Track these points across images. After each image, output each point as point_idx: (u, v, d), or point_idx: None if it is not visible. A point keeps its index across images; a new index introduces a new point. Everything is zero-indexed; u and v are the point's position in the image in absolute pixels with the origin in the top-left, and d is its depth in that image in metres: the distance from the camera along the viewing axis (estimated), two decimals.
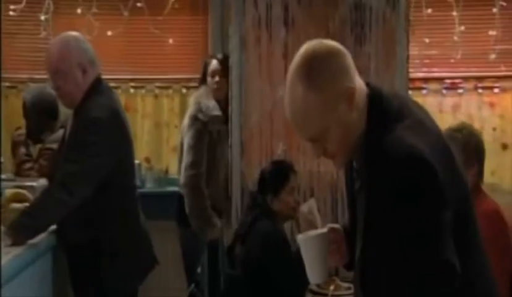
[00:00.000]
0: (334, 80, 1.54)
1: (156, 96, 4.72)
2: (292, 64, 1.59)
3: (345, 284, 3.26)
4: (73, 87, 2.81)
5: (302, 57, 1.58)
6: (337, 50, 1.59)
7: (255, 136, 3.56)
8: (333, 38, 3.51)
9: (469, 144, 3.01)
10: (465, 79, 4.65)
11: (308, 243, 1.71)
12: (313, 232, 1.75)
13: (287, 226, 3.41)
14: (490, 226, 2.96)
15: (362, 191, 1.61)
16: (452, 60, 4.55)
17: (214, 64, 3.77)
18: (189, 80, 4.72)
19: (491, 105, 4.67)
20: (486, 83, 4.66)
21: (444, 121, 4.53)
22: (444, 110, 4.61)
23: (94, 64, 2.87)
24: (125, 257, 2.82)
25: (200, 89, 3.82)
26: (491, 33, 4.55)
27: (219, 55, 3.83)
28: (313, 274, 1.72)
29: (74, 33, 2.94)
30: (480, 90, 4.65)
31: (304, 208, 3.21)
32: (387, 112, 1.57)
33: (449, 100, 4.65)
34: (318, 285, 3.25)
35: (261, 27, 3.51)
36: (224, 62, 3.71)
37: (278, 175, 3.22)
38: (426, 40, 4.47)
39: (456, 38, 4.53)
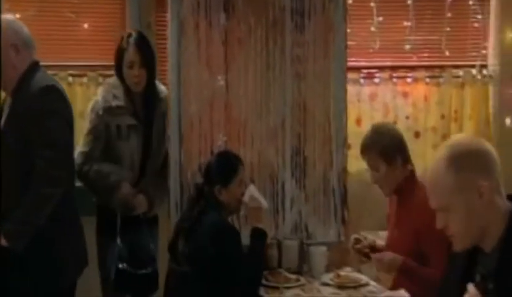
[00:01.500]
0: (473, 172, 1.80)
1: (69, 85, 4.44)
2: (450, 142, 1.90)
3: (293, 276, 3.25)
4: (7, 68, 2.75)
5: (458, 143, 1.87)
6: (485, 151, 1.85)
7: (194, 126, 3.43)
8: (273, 25, 3.51)
9: (386, 143, 3.11)
10: (381, 69, 4.78)
11: None
12: None
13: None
14: (431, 215, 3.06)
15: (483, 286, 1.81)
16: (370, 50, 4.65)
17: (130, 52, 3.40)
18: (106, 67, 4.50)
19: (405, 94, 4.83)
20: (401, 73, 4.81)
21: (362, 110, 4.64)
22: (362, 99, 4.70)
23: (28, 46, 2.85)
24: (66, 247, 2.83)
25: (113, 79, 3.52)
26: (406, 24, 4.70)
27: (134, 39, 3.39)
28: None
29: (8, 15, 2.96)
30: (394, 80, 4.79)
31: (245, 198, 3.16)
32: None
33: (366, 89, 4.75)
34: (266, 278, 3.21)
35: (200, 13, 3.39)
36: (143, 49, 3.39)
37: (227, 166, 3.14)
38: (348, 30, 4.53)
39: (373, 28, 4.64)
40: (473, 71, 4.86)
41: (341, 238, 3.60)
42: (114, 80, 3.48)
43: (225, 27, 3.43)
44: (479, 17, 4.83)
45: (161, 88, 3.55)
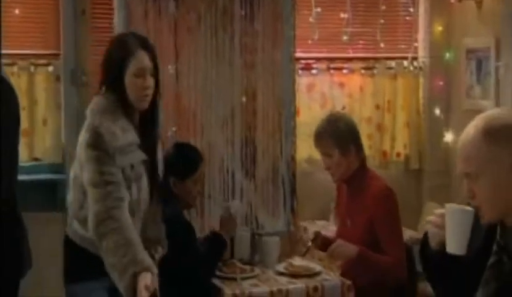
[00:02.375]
0: (508, 146, 1.79)
1: None
2: (487, 114, 1.86)
3: (247, 267, 3.23)
4: None
5: (495, 116, 1.84)
6: None
7: None
8: (222, 14, 3.47)
9: (341, 131, 3.15)
10: (319, 60, 4.82)
11: (467, 216, 1.83)
12: (466, 207, 1.85)
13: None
14: (384, 204, 3.14)
15: (499, 267, 1.84)
16: (309, 42, 4.69)
17: (140, 58, 2.54)
18: (38, 56, 4.32)
19: (341, 85, 4.90)
20: (337, 64, 4.87)
21: (300, 101, 4.68)
22: (300, 90, 4.74)
23: None
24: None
25: (100, 98, 2.59)
26: (343, 15, 4.77)
27: (141, 40, 2.61)
28: (460, 246, 1.85)
29: None
30: (331, 71, 4.86)
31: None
32: None
33: (304, 80, 4.78)
34: (221, 270, 3.18)
35: (149, 1, 3.30)
36: (154, 54, 2.62)
37: (187, 161, 3.08)
38: None
39: (311, 19, 4.67)
40: (405, 63, 4.99)
41: (291, 228, 3.61)
42: (104, 101, 2.55)
43: (174, 16, 3.36)
44: (411, 10, 4.96)
45: None
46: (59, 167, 4.37)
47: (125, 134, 2.49)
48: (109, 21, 3.74)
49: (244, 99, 3.47)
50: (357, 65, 4.91)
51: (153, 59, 2.58)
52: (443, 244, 1.92)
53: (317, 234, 3.25)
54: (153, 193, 2.67)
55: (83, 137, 2.51)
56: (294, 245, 3.57)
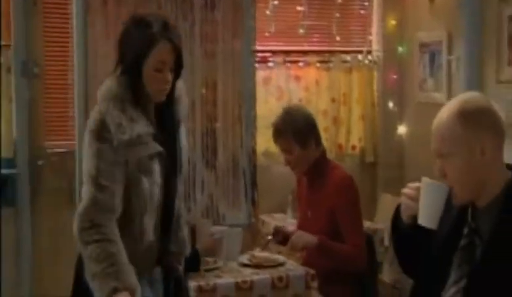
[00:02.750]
0: (481, 129, 1.84)
1: None
2: (462, 97, 1.91)
3: (210, 259, 3.19)
4: None
5: (470, 99, 1.90)
6: (494, 111, 1.88)
7: None
8: (182, 2, 3.41)
9: (300, 127, 3.14)
10: (275, 53, 4.82)
11: (441, 190, 1.87)
12: (441, 183, 1.88)
13: None
14: (346, 193, 3.15)
15: (471, 249, 1.86)
16: (266, 34, 4.67)
17: (164, 49, 2.25)
18: None
19: (297, 78, 4.91)
20: (293, 58, 4.88)
21: (257, 94, 4.65)
22: (257, 83, 4.71)
23: None
24: None
25: (113, 81, 2.30)
26: (299, 8, 4.78)
27: (168, 28, 2.27)
28: (432, 220, 1.88)
29: None
30: (288, 64, 4.86)
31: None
32: None
33: (260, 73, 4.76)
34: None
35: None
36: (179, 46, 2.30)
37: None
38: None
39: (268, 12, 4.66)
40: (360, 57, 5.03)
41: (252, 220, 3.59)
42: (116, 87, 2.28)
43: (134, 3, 3.30)
44: (365, 4, 5.01)
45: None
46: (10, 162, 4.24)
47: (133, 125, 2.23)
48: (63, 10, 3.65)
49: (204, 89, 3.44)
50: (313, 58, 4.92)
51: (176, 49, 2.28)
52: (414, 218, 1.94)
53: (278, 229, 3.23)
54: (171, 190, 2.37)
55: (89, 120, 2.32)
56: (255, 237, 3.55)
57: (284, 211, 4.64)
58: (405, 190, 1.96)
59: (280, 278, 3.01)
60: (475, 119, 1.85)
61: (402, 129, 5.08)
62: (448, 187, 1.87)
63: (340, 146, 5.02)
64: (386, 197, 4.85)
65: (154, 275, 2.42)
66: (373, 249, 3.27)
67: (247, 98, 3.52)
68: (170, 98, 2.34)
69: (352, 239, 3.08)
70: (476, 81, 4.36)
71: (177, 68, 2.31)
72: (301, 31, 4.79)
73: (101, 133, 2.22)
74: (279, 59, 4.83)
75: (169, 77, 2.29)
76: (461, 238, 1.91)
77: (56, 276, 3.57)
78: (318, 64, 4.93)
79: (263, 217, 4.35)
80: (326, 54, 4.96)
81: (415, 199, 1.92)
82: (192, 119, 3.42)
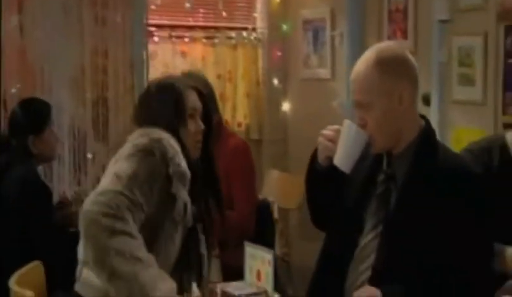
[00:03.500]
0: (398, 77, 1.89)
1: None
2: (379, 46, 1.96)
3: None
4: None
5: (387, 48, 1.95)
6: (411, 60, 1.94)
7: None
8: None
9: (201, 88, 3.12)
10: (160, 27, 4.72)
11: (361, 135, 1.90)
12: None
13: None
14: (241, 158, 3.15)
15: (386, 195, 1.91)
16: (153, 7, 4.56)
17: (194, 98, 2.26)
18: None
19: (183, 54, 4.84)
20: (179, 33, 4.80)
21: None
22: None
23: None
24: None
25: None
26: None
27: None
28: (347, 162, 1.91)
29: None
30: (174, 39, 4.77)
31: None
32: (438, 142, 1.96)
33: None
34: None
35: None
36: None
37: (37, 114, 2.87)
38: None
39: None
40: (245, 33, 5.04)
41: None
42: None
43: None
44: None
45: None
46: None
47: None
48: None
49: (94, 57, 3.30)
50: (199, 34, 4.87)
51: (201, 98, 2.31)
52: (330, 160, 1.96)
53: None
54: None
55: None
56: None
57: None
58: (325, 132, 1.98)
59: None
60: (393, 67, 1.89)
61: (286, 106, 5.15)
62: (367, 134, 1.91)
63: (226, 123, 5.01)
64: (272, 172, 4.91)
65: None
66: (271, 215, 3.29)
67: (139, 67, 3.41)
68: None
69: (239, 207, 3.08)
70: (358, 58, 4.50)
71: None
72: (187, 5, 4.72)
73: (156, 151, 2.03)
74: (165, 33, 4.73)
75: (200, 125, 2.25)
76: (376, 186, 1.96)
77: None
78: (204, 40, 4.89)
79: None
80: (212, 30, 4.92)
81: (333, 141, 1.94)
82: (82, 87, 3.26)
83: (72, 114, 3.30)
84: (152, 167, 1.97)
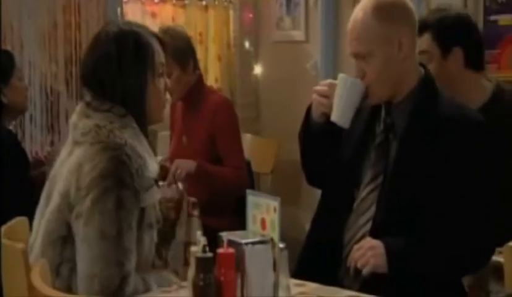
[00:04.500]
0: (396, 24, 1.84)
1: None
2: None
3: None
4: None
5: None
6: (410, 7, 1.88)
7: None
8: None
9: (180, 46, 3.04)
10: None
11: (358, 87, 1.85)
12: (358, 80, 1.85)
13: None
14: (225, 115, 3.09)
15: (386, 146, 1.87)
16: None
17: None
18: None
19: (153, 15, 4.72)
20: None
21: None
22: None
23: None
24: None
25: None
26: None
27: None
28: (345, 117, 1.85)
29: None
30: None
31: None
32: (439, 89, 1.90)
33: None
34: None
35: None
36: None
37: (2, 59, 2.74)
38: None
39: None
40: None
41: None
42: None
43: None
44: None
45: None
46: None
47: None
48: None
49: (67, 12, 3.17)
50: None
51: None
52: (324, 115, 1.91)
53: (162, 168, 3.10)
54: None
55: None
56: None
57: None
58: (317, 87, 1.92)
59: None
60: (391, 13, 1.84)
61: (258, 69, 5.08)
62: (364, 85, 1.86)
63: None
64: (245, 136, 4.84)
65: None
66: (252, 173, 3.25)
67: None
68: None
69: (232, 161, 3.03)
70: (333, 18, 4.46)
71: None
72: None
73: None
74: None
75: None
76: (375, 138, 1.91)
77: None
78: (174, 1, 4.77)
79: None
80: None
81: (328, 96, 1.89)
82: (54, 44, 3.14)
83: (44, 72, 3.17)
84: (127, 201, 1.65)
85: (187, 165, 2.97)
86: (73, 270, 1.67)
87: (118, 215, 1.63)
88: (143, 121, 1.79)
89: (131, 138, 1.70)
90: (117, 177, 1.63)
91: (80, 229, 1.64)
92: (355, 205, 1.89)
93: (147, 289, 1.70)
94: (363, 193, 1.89)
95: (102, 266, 1.61)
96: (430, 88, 1.90)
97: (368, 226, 1.85)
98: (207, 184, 3.00)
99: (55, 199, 1.71)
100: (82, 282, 1.63)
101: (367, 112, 1.94)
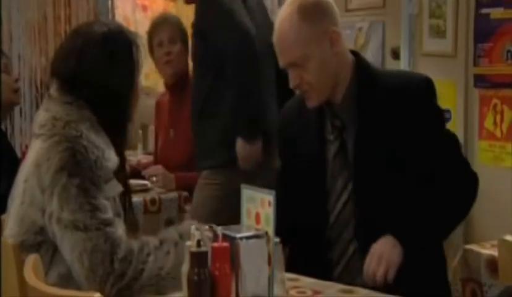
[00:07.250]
0: (324, 20, 1.83)
1: None
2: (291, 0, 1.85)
3: None
4: None
5: None
6: (329, 1, 1.88)
7: None
8: None
9: (181, 24, 3.19)
10: None
11: None
12: None
13: None
14: None
15: (344, 149, 1.85)
16: None
17: None
18: None
19: (144, 8, 4.70)
20: None
21: None
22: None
23: None
24: None
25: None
26: None
27: None
28: None
29: None
30: None
31: None
32: (374, 70, 1.92)
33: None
34: None
35: None
36: None
37: None
38: None
39: None
40: None
41: None
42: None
43: None
44: None
45: None
46: None
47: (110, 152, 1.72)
48: None
49: (58, 4, 3.15)
50: None
51: None
52: None
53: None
54: None
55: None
56: None
57: (134, 147, 4.45)
58: None
59: (153, 201, 2.87)
60: (316, 11, 1.83)
61: None
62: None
63: None
64: None
65: None
66: None
67: (104, 17, 3.28)
68: None
69: None
70: None
71: None
72: None
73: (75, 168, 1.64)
74: None
75: None
76: (330, 146, 1.89)
77: None
78: None
79: None
80: None
81: None
82: (44, 37, 3.11)
83: (34, 65, 3.14)
84: (89, 185, 1.63)
85: (168, 185, 2.98)
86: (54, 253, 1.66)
87: (85, 197, 1.61)
88: (123, 118, 1.79)
89: (87, 129, 1.68)
90: (75, 167, 1.62)
91: (55, 227, 1.62)
92: (331, 218, 1.86)
93: (152, 247, 1.64)
94: (338, 205, 1.86)
95: (86, 241, 1.58)
96: (365, 73, 1.88)
97: (355, 243, 1.83)
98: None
99: (25, 208, 1.67)
100: (74, 266, 1.61)
101: (312, 129, 1.91)
